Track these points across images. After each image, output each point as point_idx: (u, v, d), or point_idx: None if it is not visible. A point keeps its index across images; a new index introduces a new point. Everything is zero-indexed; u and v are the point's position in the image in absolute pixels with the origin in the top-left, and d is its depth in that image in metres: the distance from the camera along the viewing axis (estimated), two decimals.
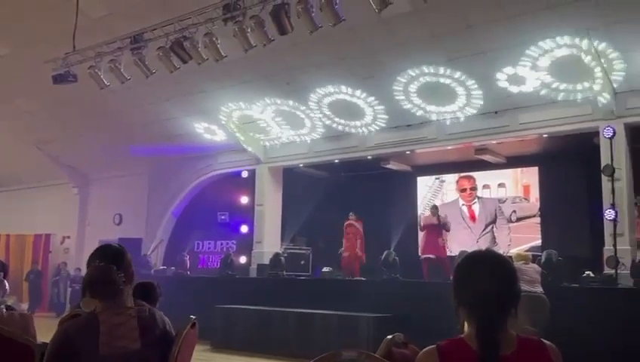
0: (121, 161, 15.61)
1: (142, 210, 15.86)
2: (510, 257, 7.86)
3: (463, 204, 13.74)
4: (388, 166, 13.55)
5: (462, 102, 10.66)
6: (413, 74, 10.24)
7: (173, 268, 13.74)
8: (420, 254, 12.28)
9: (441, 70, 9.99)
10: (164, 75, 9.27)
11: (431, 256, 11.66)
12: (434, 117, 11.18)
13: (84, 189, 17.83)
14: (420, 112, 11.17)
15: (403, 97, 10.88)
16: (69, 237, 17.98)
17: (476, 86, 10.19)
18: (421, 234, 13.03)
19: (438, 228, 12.09)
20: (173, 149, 14.39)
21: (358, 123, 12.04)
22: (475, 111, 10.73)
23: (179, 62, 8.74)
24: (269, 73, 11.04)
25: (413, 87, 10.56)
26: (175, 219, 15.66)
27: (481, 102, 10.53)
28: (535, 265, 8.07)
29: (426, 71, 10.13)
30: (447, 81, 10.19)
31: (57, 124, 14.81)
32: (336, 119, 12.07)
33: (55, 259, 17.81)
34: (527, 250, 11.27)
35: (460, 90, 10.35)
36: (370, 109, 11.49)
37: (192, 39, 8.48)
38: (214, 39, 8.33)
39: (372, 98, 11.18)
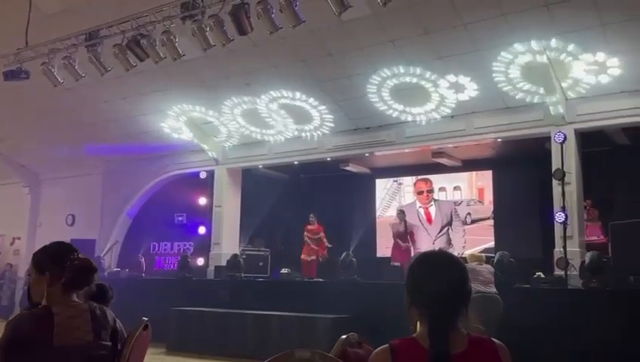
0: (74, 161, 15.24)
1: (96, 211, 15.51)
2: (464, 258, 8.03)
3: (420, 207, 13.95)
4: (347, 168, 13.64)
5: (420, 106, 10.83)
6: (376, 77, 10.34)
7: (127, 270, 13.48)
8: (391, 261, 12.34)
9: (402, 72, 10.11)
10: (120, 73, 9.08)
11: (400, 263, 11.76)
12: (393, 120, 11.31)
13: (35, 189, 17.30)
14: (379, 115, 11.28)
15: (363, 100, 10.97)
16: (19, 238, 17.41)
17: (433, 89, 10.36)
18: (380, 237, 13.18)
19: (405, 234, 12.26)
20: (129, 149, 14.13)
21: (311, 126, 12.07)
22: (437, 116, 10.90)
23: (135, 60, 8.59)
24: (229, 73, 10.96)
25: (372, 89, 10.66)
26: (130, 220, 15.38)
27: (436, 106, 10.72)
28: (489, 266, 8.24)
29: (384, 75, 10.24)
30: (406, 85, 10.32)
31: (8, 122, 14.32)
32: (289, 120, 12.06)
33: (4, 260, 17.20)
34: (480, 252, 11.53)
35: (419, 93, 10.50)
36: (325, 112, 11.54)
37: (150, 37, 8.36)
38: (172, 37, 8.22)
39: (330, 100, 11.23)
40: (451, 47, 9.27)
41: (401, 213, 12.57)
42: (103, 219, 15.44)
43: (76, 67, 9.10)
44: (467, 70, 9.71)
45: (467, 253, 9.55)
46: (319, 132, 12.22)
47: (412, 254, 12.21)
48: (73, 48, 9.02)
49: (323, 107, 11.48)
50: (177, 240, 15.14)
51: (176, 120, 12.81)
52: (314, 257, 12.78)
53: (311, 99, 11.34)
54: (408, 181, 14.30)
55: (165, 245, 15.44)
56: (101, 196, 15.58)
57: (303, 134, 12.36)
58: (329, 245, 12.81)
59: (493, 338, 1.82)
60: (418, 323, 1.81)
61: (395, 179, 14.46)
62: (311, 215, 12.93)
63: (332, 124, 11.93)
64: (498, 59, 9.33)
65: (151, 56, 8.46)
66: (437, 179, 13.90)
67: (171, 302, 10.80)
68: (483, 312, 6.93)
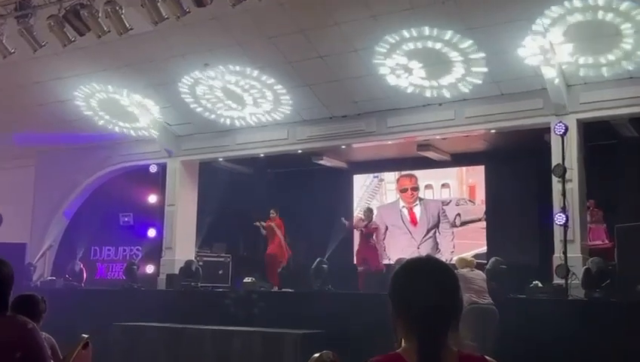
0: (1, 151, 14.95)
1: (26, 210, 15.24)
2: (453, 264, 8.12)
3: (404, 206, 14.06)
4: (321, 162, 13.67)
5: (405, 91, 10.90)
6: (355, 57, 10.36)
7: (64, 279, 13.30)
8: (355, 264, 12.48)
9: (384, 51, 10.14)
10: (56, 50, 8.95)
11: (365, 266, 11.91)
12: (373, 107, 11.36)
13: None
14: (358, 101, 11.32)
15: (339, 83, 11.00)
16: None
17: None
18: (357, 242, 13.25)
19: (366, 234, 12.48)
20: (65, 138, 13.92)
21: (280, 114, 12.05)
22: (423, 103, 11.00)
23: (74, 34, 8.47)
24: (184, 51, 10.88)
25: (352, 71, 10.68)
26: (67, 221, 15.16)
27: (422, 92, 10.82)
28: (481, 273, 8.36)
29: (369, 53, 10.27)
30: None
31: None
32: (254, 107, 12.04)
33: None
34: (472, 257, 11.65)
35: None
36: (297, 97, 11.53)
37: (91, 7, 8.25)
38: (118, 8, 8.12)
39: (301, 83, 11.22)
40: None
41: (368, 211, 12.76)
42: (35, 219, 15.19)
43: (4, 41, 8.94)
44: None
45: (456, 257, 9.62)
46: (289, 120, 12.20)
47: (380, 258, 12.41)
48: (1, 20, 8.85)
49: (294, 92, 11.47)
50: (123, 244, 14.98)
51: (118, 102, 12.64)
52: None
53: (279, 83, 11.31)
54: (390, 177, 14.40)
55: (108, 250, 15.26)
56: (33, 193, 15.33)
57: (268, 120, 12.32)
58: (284, 252, 12.93)
59: (486, 357, 1.85)
60: (403, 338, 1.82)
61: (376, 175, 14.55)
62: (272, 211, 13.09)
63: (304, 111, 11.92)
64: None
65: (92, 30, 8.34)
66: (423, 175, 14.02)
67: (116, 317, 10.68)
68: (477, 326, 7.03)
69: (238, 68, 11.20)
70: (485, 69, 10.02)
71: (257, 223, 13.36)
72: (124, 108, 12.84)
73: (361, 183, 14.66)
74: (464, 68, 10.12)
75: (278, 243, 13.07)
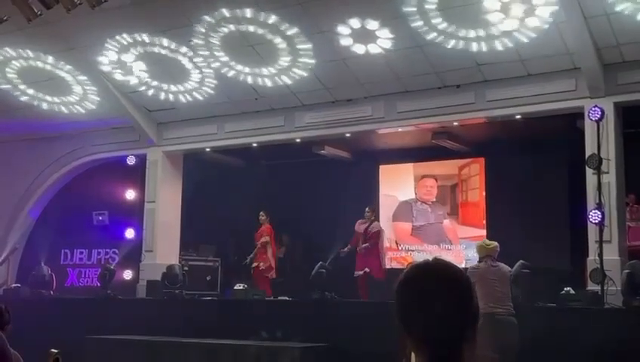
0: None
1: None
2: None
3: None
4: (322, 152, 13.66)
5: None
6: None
7: (29, 286, 13.33)
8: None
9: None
10: (21, 25, 8.94)
11: (365, 270, 11.86)
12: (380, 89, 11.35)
13: None
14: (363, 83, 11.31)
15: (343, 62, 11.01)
16: None
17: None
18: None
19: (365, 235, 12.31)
20: (27, 126, 13.93)
21: (274, 96, 12.06)
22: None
23: (40, 7, 8.47)
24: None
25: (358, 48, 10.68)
26: (33, 221, 15.20)
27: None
28: (503, 267, 8.14)
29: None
30: None
31: None
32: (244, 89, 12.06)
33: None
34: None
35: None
36: (294, 76, 11.54)
37: None
38: None
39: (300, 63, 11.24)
40: None
41: (371, 211, 12.59)
42: None
43: None
44: None
45: (477, 243, 9.27)
46: (285, 105, 12.19)
47: (381, 262, 12.31)
48: None
49: (291, 70, 11.47)
50: (97, 246, 15.02)
51: (92, 83, 12.69)
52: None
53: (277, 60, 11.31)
54: (405, 170, 14.36)
55: (81, 253, 15.29)
56: None
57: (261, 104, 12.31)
58: (271, 265, 12.74)
59: None
60: (413, 353, 1.84)
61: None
62: (261, 213, 12.89)
63: (302, 94, 11.92)
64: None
65: (62, 2, 8.33)
66: (438, 167, 14.04)
67: (89, 329, 10.72)
68: (496, 338, 7.03)
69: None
70: (510, 45, 9.98)
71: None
72: (94, 90, 12.85)
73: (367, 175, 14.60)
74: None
75: (268, 257, 12.79)
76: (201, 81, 12.22)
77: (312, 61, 11.13)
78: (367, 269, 11.90)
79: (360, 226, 12.39)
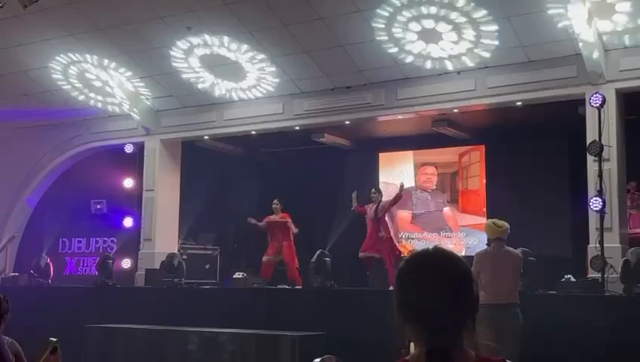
0: None
1: None
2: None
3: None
4: (321, 140, 13.66)
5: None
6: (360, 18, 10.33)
7: (28, 275, 13.37)
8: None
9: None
10: (16, 12, 8.92)
11: (373, 254, 11.56)
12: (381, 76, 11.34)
13: None
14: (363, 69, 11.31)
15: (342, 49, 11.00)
16: None
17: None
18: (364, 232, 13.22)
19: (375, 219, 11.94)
20: (26, 113, 13.92)
21: (274, 84, 12.06)
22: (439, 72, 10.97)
23: None
24: (163, 13, 10.85)
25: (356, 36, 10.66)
26: (31, 209, 15.22)
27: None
28: (513, 251, 7.81)
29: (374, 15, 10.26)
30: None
31: None
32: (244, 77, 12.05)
33: None
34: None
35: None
36: (293, 65, 11.52)
37: None
38: None
39: (299, 49, 11.21)
40: None
41: (377, 192, 12.24)
42: None
43: None
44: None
45: (487, 221, 9.00)
46: (284, 92, 12.17)
47: (394, 243, 12.18)
48: None
49: (289, 59, 11.45)
50: (95, 235, 15.03)
51: (88, 72, 12.67)
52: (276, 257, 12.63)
53: (274, 48, 11.28)
54: (405, 158, 14.37)
55: (79, 242, 15.32)
56: None
57: (261, 92, 12.30)
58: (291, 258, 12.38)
59: (507, 360, 1.88)
60: (412, 343, 1.85)
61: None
62: (275, 201, 12.56)
63: (302, 82, 11.91)
64: None
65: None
66: (439, 155, 14.06)
67: (88, 318, 10.78)
68: (497, 326, 7.03)
69: (225, 32, 11.17)
70: (511, 32, 9.98)
71: (252, 221, 12.50)
72: (94, 79, 12.82)
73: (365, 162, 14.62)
74: (485, 30, 10.10)
75: (289, 245, 12.22)
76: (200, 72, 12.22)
77: (312, 48, 11.13)
78: (374, 254, 11.54)
79: (370, 211, 12.09)
